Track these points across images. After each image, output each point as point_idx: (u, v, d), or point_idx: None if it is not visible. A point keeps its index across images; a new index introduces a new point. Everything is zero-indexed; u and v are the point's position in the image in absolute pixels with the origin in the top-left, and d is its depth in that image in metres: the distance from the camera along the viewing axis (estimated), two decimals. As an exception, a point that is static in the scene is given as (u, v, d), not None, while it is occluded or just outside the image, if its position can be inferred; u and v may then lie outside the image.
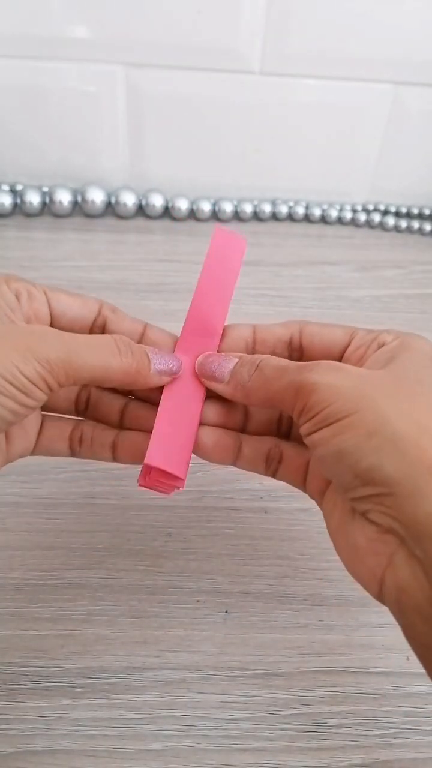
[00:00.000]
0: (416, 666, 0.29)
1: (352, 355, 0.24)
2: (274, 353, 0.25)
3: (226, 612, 0.31)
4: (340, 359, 0.24)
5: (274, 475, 0.26)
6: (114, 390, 0.27)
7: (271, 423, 0.27)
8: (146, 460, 0.23)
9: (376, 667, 0.29)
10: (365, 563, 0.20)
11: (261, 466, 0.26)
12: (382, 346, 0.23)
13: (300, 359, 0.25)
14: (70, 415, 0.27)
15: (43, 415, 0.26)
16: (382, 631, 0.30)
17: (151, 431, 0.24)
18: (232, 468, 0.38)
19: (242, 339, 0.25)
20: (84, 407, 0.27)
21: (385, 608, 0.20)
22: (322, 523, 0.23)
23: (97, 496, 0.35)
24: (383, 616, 0.20)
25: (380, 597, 0.20)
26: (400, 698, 0.28)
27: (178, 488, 0.25)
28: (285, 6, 0.53)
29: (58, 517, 0.34)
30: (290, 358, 0.25)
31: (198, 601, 0.31)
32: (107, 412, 0.27)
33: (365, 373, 0.21)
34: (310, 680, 0.28)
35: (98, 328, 0.25)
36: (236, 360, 0.24)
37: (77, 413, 0.27)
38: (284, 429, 0.27)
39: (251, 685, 0.28)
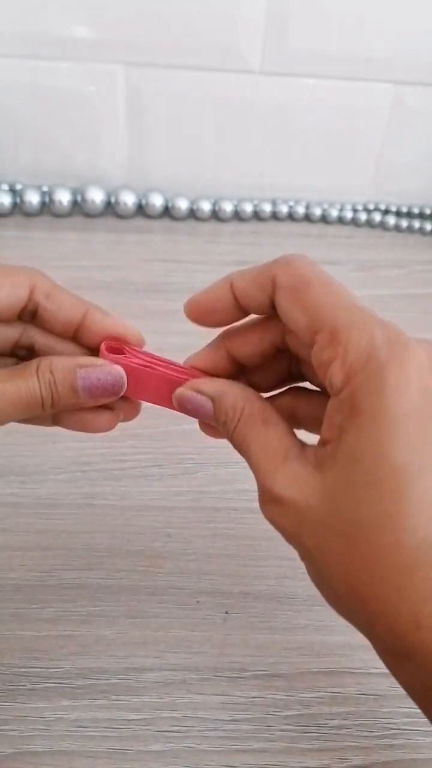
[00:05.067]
0: (417, 667, 0.29)
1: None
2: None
3: (226, 613, 0.30)
4: None
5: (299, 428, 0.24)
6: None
7: (281, 371, 0.24)
8: None
9: (376, 668, 0.29)
10: None
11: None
12: (332, 387, 0.18)
13: None
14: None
15: None
16: (383, 632, 0.30)
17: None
18: (231, 468, 0.38)
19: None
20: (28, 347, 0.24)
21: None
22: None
23: (97, 497, 0.35)
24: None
25: None
26: (401, 699, 0.28)
27: None
28: (285, 5, 0.53)
29: (57, 517, 0.34)
30: None
31: (198, 601, 0.31)
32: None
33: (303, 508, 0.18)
34: (310, 681, 0.28)
35: (28, 314, 0.22)
36: (210, 403, 0.21)
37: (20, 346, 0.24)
38: (295, 371, 0.24)
39: (251, 686, 0.28)
